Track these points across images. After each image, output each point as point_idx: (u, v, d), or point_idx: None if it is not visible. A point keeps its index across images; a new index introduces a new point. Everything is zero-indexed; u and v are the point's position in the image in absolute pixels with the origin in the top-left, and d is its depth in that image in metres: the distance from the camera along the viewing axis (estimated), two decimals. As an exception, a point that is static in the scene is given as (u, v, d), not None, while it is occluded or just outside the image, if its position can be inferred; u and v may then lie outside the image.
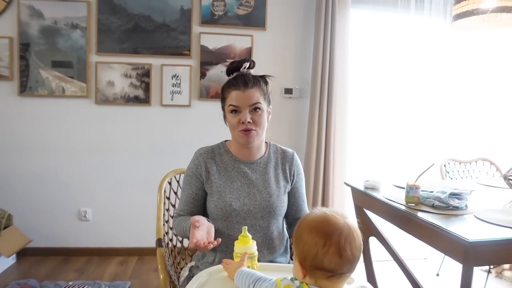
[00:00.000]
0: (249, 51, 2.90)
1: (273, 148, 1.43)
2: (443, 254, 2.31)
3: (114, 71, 2.80)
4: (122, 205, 2.91)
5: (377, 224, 2.04)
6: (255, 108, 1.27)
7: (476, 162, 2.84)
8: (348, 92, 2.96)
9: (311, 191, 2.86)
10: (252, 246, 1.06)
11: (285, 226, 1.44)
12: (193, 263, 1.41)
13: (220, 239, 1.10)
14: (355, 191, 2.04)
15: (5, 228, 2.59)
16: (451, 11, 2.19)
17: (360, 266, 1.20)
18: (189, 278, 1.34)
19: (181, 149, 2.89)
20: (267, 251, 1.32)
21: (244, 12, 2.89)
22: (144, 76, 2.83)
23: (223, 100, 1.33)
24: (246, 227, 1.09)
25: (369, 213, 2.03)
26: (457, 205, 1.54)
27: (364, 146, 3.16)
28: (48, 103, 2.80)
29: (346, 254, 0.77)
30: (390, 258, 2.04)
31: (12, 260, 2.72)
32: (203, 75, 2.88)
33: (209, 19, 2.86)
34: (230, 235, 1.29)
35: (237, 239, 1.28)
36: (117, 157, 2.89)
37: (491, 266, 2.55)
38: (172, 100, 2.87)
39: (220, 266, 1.09)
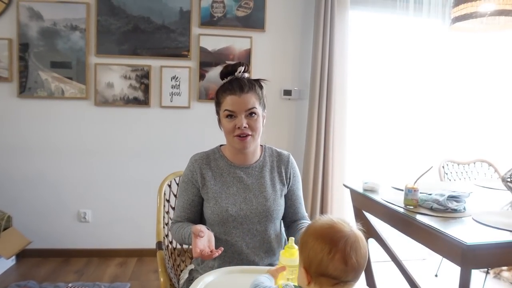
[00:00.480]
0: (248, 52, 2.90)
1: (268, 151, 1.42)
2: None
3: (114, 73, 2.81)
4: (122, 206, 2.92)
5: (376, 225, 2.05)
6: (250, 113, 1.26)
7: (474, 163, 2.85)
8: (347, 93, 2.96)
9: (310, 193, 2.87)
10: (296, 259, 0.98)
11: (283, 228, 1.45)
12: (192, 266, 1.42)
13: (222, 248, 1.10)
14: (354, 193, 2.05)
15: (4, 229, 2.59)
16: (449, 12, 2.20)
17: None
18: (189, 281, 1.35)
19: (180, 150, 2.89)
20: (265, 254, 1.32)
21: (243, 14, 2.89)
22: (143, 77, 2.84)
23: (218, 105, 1.32)
24: (293, 238, 1.04)
25: (368, 215, 2.04)
26: (455, 207, 1.55)
27: (363, 147, 3.17)
28: (47, 104, 2.80)
29: (351, 262, 0.77)
30: (389, 259, 2.05)
31: (11, 261, 2.72)
32: (202, 76, 2.88)
33: (208, 21, 2.87)
34: (227, 240, 1.29)
35: (234, 244, 1.28)
36: (116, 159, 2.89)
37: (489, 268, 2.56)
38: (171, 101, 2.87)
39: (225, 269, 1.09)
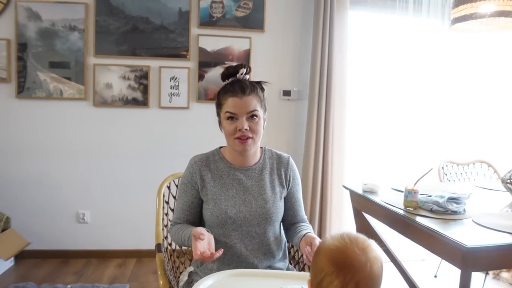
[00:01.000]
0: (248, 53, 2.89)
1: (268, 153, 1.41)
2: (441, 256, 2.31)
3: (112, 73, 2.80)
4: (120, 207, 2.91)
5: (376, 226, 2.05)
6: (252, 116, 1.25)
7: (474, 164, 2.85)
8: (346, 94, 2.96)
9: (310, 194, 2.86)
10: None
11: (282, 230, 1.44)
12: (192, 268, 1.41)
13: (222, 250, 1.10)
14: (354, 195, 2.04)
15: (3, 231, 2.58)
16: (449, 13, 2.19)
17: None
18: (189, 283, 1.35)
19: (179, 151, 2.88)
20: (264, 257, 1.32)
21: (243, 14, 2.88)
22: (142, 78, 2.83)
23: (219, 106, 1.31)
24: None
25: (368, 216, 2.04)
26: (455, 209, 1.55)
27: (362, 148, 3.16)
28: (46, 105, 2.79)
29: None
30: (388, 259, 2.05)
31: (10, 263, 2.71)
32: (201, 77, 2.88)
33: (208, 21, 2.86)
34: (226, 242, 1.29)
35: (233, 246, 1.28)
36: (115, 159, 2.88)
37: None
38: (170, 102, 2.86)
39: (225, 272, 1.09)
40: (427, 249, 1.49)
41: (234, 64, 1.35)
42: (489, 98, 3.26)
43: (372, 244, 0.75)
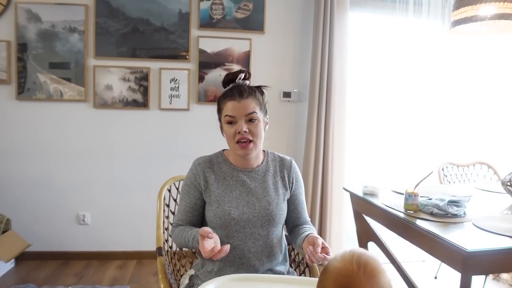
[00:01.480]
0: (248, 54, 2.89)
1: (271, 156, 1.43)
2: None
3: (112, 75, 2.80)
4: (121, 208, 2.91)
5: (376, 228, 2.05)
6: (251, 119, 1.27)
7: (474, 165, 2.85)
8: (346, 95, 2.96)
9: (310, 196, 2.86)
10: None
11: (284, 233, 1.45)
12: (192, 272, 1.42)
13: (229, 245, 1.12)
14: (354, 197, 2.05)
15: (3, 232, 2.58)
16: (449, 14, 2.20)
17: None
18: (189, 287, 1.35)
19: (179, 152, 2.89)
20: (266, 259, 1.32)
21: (243, 16, 2.88)
22: (142, 79, 2.83)
23: (219, 111, 1.33)
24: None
25: (368, 218, 2.04)
26: (455, 212, 1.55)
27: (362, 150, 3.16)
28: (46, 107, 2.78)
29: None
30: (388, 261, 2.05)
31: (10, 264, 2.71)
32: (201, 78, 2.88)
33: (208, 23, 2.86)
34: (229, 243, 1.29)
35: (236, 247, 1.28)
36: (115, 161, 2.88)
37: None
38: (170, 103, 2.86)
39: (230, 276, 1.10)
40: (427, 252, 1.49)
41: (234, 67, 1.37)
42: (489, 99, 3.26)
43: (382, 272, 0.70)
